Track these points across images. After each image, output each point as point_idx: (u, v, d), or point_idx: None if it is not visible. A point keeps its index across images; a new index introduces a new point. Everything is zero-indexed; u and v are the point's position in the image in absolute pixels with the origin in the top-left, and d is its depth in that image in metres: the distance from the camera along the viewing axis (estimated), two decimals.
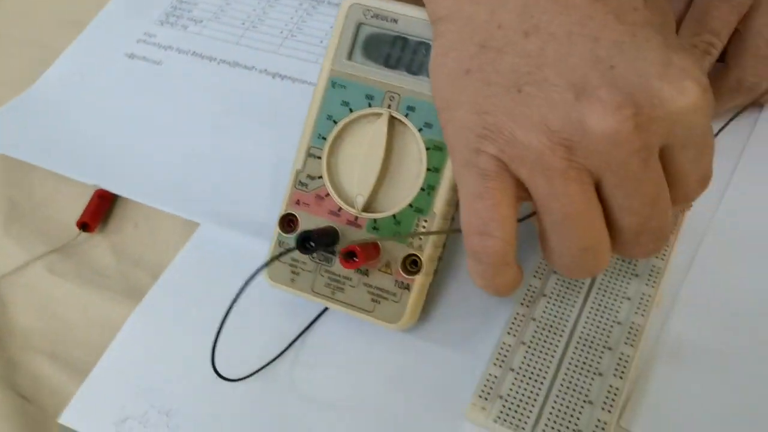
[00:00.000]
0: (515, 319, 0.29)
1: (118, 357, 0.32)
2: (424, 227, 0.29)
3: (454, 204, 0.29)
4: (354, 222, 0.30)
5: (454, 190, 0.29)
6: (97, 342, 0.32)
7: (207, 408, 0.30)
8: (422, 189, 0.29)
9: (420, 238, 0.29)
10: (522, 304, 0.30)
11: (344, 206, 0.30)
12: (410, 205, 0.29)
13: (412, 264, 0.29)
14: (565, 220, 0.23)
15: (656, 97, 0.21)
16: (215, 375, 0.28)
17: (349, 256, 0.28)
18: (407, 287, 0.30)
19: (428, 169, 0.29)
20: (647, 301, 0.28)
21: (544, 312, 0.29)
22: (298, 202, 0.31)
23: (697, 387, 0.27)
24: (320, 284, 0.31)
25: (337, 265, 0.30)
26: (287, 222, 0.31)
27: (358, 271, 0.30)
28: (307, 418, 0.29)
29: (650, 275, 0.29)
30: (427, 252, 0.29)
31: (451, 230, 0.30)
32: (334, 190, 0.30)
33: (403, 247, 0.29)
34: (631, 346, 0.27)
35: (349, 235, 0.30)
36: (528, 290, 0.30)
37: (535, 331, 0.29)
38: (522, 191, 0.24)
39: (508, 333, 0.29)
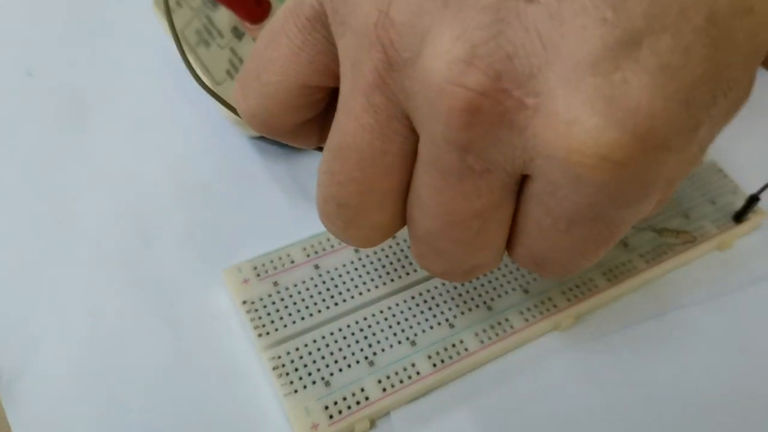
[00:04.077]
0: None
1: None
2: None
3: None
4: None
5: None
6: None
7: None
8: None
9: None
10: None
11: None
12: None
13: None
14: (334, 144, 0.16)
15: (536, 108, 0.13)
16: None
17: None
18: None
19: None
20: None
21: None
22: None
23: None
24: (192, 29, 0.26)
25: (220, 14, 0.26)
26: None
27: (234, 32, 0.25)
28: None
29: None
30: None
31: None
32: None
33: None
34: None
35: None
36: None
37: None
38: (330, 64, 0.16)
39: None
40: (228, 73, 0.25)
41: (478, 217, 0.15)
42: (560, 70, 0.13)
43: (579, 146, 0.13)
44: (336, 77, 0.16)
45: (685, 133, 0.13)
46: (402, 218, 0.17)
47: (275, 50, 0.16)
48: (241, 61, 0.25)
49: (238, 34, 0.25)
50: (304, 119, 0.18)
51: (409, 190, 0.16)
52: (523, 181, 0.15)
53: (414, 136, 0.15)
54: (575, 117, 0.12)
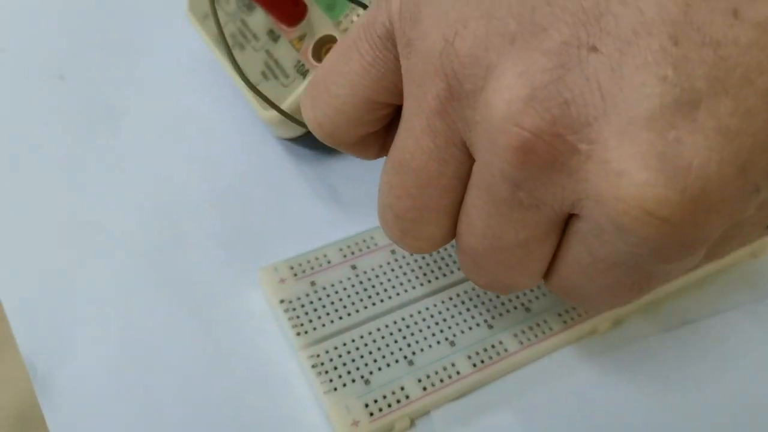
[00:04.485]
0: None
1: None
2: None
3: None
4: None
5: None
6: None
7: None
8: None
9: (352, 21, 0.23)
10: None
11: None
12: None
13: (328, 52, 0.23)
14: (395, 160, 0.17)
15: (589, 155, 0.13)
16: None
17: None
18: (305, 74, 0.24)
19: None
20: None
21: None
22: None
23: None
24: (227, 32, 0.26)
25: (254, 17, 0.26)
26: None
27: (270, 35, 0.25)
28: None
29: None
30: None
31: None
32: None
33: (329, 25, 0.24)
34: None
35: None
36: None
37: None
38: (398, 83, 0.17)
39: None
40: (263, 74, 0.26)
41: (521, 246, 0.16)
42: (616, 122, 0.13)
43: (626, 197, 0.13)
44: (402, 95, 0.16)
45: (739, 197, 0.13)
46: (455, 230, 0.17)
47: (346, 65, 0.17)
48: (276, 63, 0.25)
49: (273, 36, 0.26)
50: (368, 132, 0.18)
51: (461, 205, 0.17)
52: (570, 217, 0.15)
53: (470, 161, 0.16)
54: (626, 169, 0.13)
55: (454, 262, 0.23)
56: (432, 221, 0.17)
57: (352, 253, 0.23)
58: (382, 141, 0.19)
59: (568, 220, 0.15)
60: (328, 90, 0.17)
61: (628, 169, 0.13)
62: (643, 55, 0.13)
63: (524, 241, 0.16)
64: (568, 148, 0.13)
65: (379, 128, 0.18)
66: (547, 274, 0.17)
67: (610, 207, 0.13)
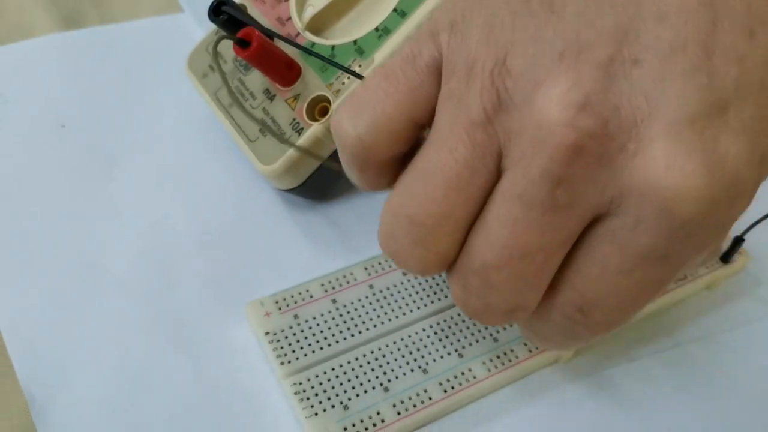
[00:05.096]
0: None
1: None
2: (357, 70, 0.25)
3: None
4: (293, 37, 0.27)
5: None
6: None
7: None
8: (376, 29, 0.25)
9: (343, 83, 0.25)
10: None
11: (295, 17, 0.27)
12: (354, 42, 0.25)
13: (321, 110, 0.26)
14: (421, 169, 0.18)
15: (636, 152, 0.15)
16: None
17: (242, 43, 0.24)
18: (300, 131, 0.26)
19: (395, 10, 0.25)
20: None
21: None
22: None
23: None
24: (225, 92, 0.28)
25: (251, 77, 0.28)
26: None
27: (266, 94, 0.27)
28: None
29: None
30: (340, 100, 0.25)
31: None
32: None
33: (321, 86, 0.26)
34: None
35: (282, 48, 0.26)
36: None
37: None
38: (436, 103, 0.18)
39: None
40: (261, 131, 0.28)
41: (543, 251, 0.17)
42: (660, 123, 0.15)
43: (675, 186, 0.15)
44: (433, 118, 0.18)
45: (756, 185, 0.16)
46: (458, 253, 0.18)
47: (392, 87, 0.18)
48: (273, 120, 0.27)
49: (269, 95, 0.28)
50: (397, 153, 0.19)
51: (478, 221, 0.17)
52: (588, 226, 0.17)
53: (497, 175, 0.17)
54: (673, 162, 0.15)
55: (428, 296, 0.25)
56: (449, 232, 0.17)
57: (333, 288, 0.25)
58: (398, 171, 0.19)
59: (585, 230, 0.17)
60: (374, 108, 0.18)
61: (676, 162, 0.15)
62: (681, 66, 0.15)
63: (548, 244, 0.16)
64: (616, 146, 0.15)
65: (403, 152, 0.19)
66: (559, 292, 0.18)
67: (659, 195, 0.15)
